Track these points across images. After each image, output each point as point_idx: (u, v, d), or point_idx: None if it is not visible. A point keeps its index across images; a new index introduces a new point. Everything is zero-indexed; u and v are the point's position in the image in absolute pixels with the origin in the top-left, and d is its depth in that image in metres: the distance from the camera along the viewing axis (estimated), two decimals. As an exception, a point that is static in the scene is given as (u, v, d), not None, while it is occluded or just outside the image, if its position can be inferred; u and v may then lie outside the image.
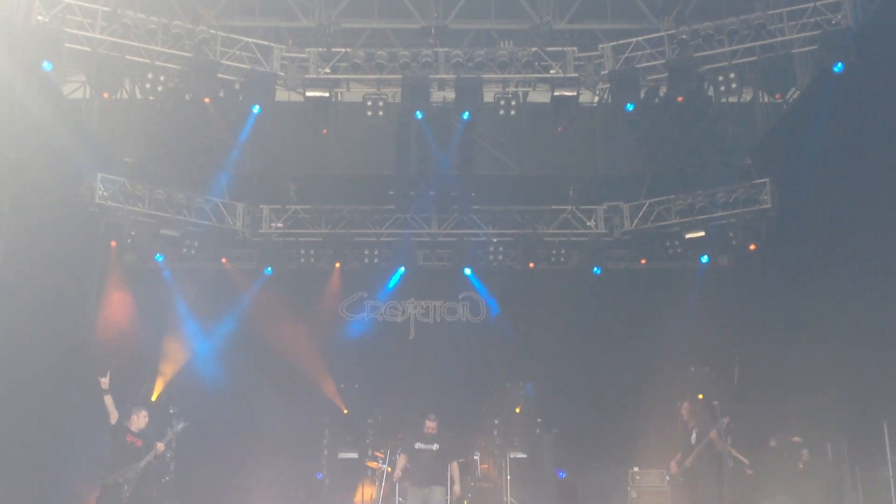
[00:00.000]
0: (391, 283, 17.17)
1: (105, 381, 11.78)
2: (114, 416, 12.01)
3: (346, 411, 16.89)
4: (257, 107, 13.50)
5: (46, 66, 11.88)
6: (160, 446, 12.13)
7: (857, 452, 13.81)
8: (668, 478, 14.59)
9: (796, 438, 13.55)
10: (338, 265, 16.41)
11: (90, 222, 14.64)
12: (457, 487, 12.97)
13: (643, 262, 16.29)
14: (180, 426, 13.26)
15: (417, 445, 13.21)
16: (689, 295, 15.86)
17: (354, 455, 15.95)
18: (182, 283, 16.28)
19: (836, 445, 14.14)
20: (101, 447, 13.09)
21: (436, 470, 13.01)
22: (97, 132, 14.34)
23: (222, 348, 16.09)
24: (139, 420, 11.94)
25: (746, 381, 15.83)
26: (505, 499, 15.08)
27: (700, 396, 15.45)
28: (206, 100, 12.76)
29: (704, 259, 15.92)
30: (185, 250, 15.53)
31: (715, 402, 13.73)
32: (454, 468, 13.02)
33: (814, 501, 13.12)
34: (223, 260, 16.31)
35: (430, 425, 13.29)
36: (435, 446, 13.09)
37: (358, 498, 15.61)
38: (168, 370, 16.18)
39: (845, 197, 12.50)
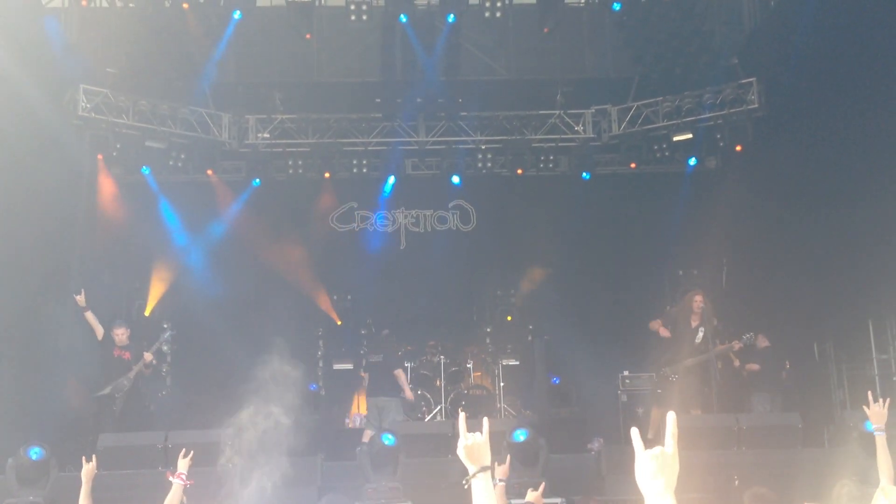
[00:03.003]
0: (385, 193, 17.11)
1: (81, 299, 11.94)
2: (99, 332, 12.25)
3: (339, 322, 16.99)
4: (238, 12, 13.34)
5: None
6: (147, 355, 12.33)
7: (843, 351, 13.97)
8: (657, 380, 14.76)
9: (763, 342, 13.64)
10: (327, 175, 16.29)
11: (75, 135, 14.53)
12: (407, 393, 13.28)
13: (633, 166, 16.16)
14: (167, 334, 13.49)
15: (371, 358, 13.58)
16: (678, 198, 15.81)
17: (349, 366, 16.13)
18: (170, 195, 16.19)
19: (822, 345, 14.30)
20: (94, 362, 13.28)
21: (382, 381, 13.30)
22: (77, 42, 14.11)
23: (214, 261, 16.08)
24: (119, 336, 12.12)
25: (734, 282, 15.90)
26: (498, 405, 15.28)
27: (689, 298, 15.55)
28: (185, 5, 12.57)
29: (692, 161, 15.83)
30: (171, 162, 15.45)
31: (702, 305, 13.90)
32: (398, 376, 13.30)
33: (801, 399, 13.32)
34: (209, 172, 16.15)
35: (382, 332, 13.66)
36: (380, 357, 13.40)
37: (354, 408, 15.83)
38: (160, 285, 16.20)
39: (832, 94, 12.37)
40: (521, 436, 9.96)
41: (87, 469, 7.21)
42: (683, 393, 12.02)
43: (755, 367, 13.38)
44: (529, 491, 6.41)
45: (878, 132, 11.49)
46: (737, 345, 11.99)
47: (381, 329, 14.78)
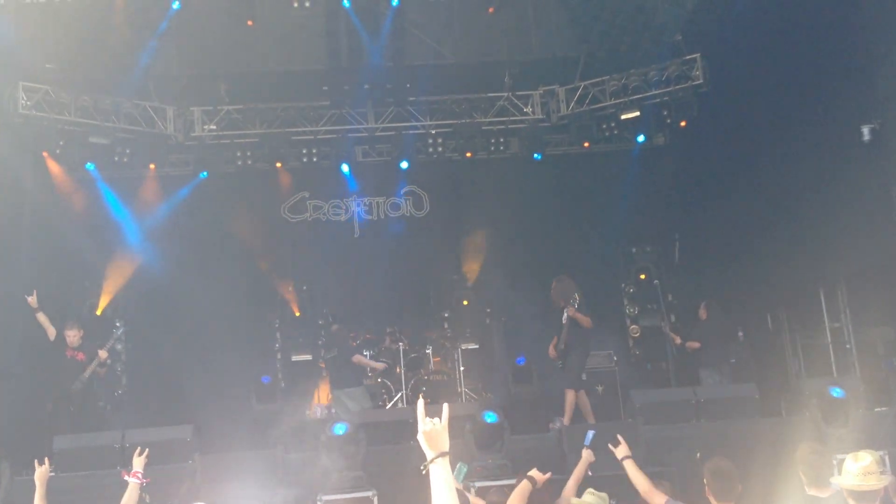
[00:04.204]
0: (350, 181, 17.01)
1: (32, 300, 11.77)
2: (51, 333, 12.08)
3: (298, 314, 16.87)
4: (177, 2, 13.14)
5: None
6: (102, 353, 12.18)
7: (796, 321, 14.19)
8: (615, 358, 14.87)
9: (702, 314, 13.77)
10: (279, 165, 16.10)
11: (15, 133, 14.19)
12: (376, 366, 13.44)
13: (586, 145, 16.18)
14: (119, 331, 13.32)
15: (327, 355, 13.70)
16: (628, 176, 15.90)
17: (308, 357, 16.05)
18: (117, 191, 15.92)
19: (776, 315, 14.50)
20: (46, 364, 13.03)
21: (341, 374, 13.41)
22: (14, 39, 13.75)
23: (165, 257, 15.80)
24: (71, 338, 11.97)
25: (686, 257, 16.06)
26: (459, 390, 15.28)
27: (642, 276, 15.69)
28: (119, -5, 12.38)
29: (640, 139, 15.91)
30: (116, 158, 15.09)
31: (655, 281, 14.06)
32: (359, 361, 13.41)
33: (757, 369, 13.48)
34: (151, 166, 15.84)
35: (332, 328, 13.75)
36: (334, 351, 13.51)
37: (315, 399, 15.74)
38: (111, 283, 15.94)
39: (774, 68, 12.52)
40: (491, 417, 9.99)
41: (41, 472, 7.10)
42: (567, 373, 12.02)
43: (695, 344, 13.47)
44: (535, 470, 6.60)
45: (820, 104, 11.67)
46: (570, 310, 11.86)
47: (332, 324, 14.71)
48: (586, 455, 7.21)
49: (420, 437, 3.35)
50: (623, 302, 16.19)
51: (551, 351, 12.14)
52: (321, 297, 16.74)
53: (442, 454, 3.31)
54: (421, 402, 3.41)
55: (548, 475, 6.60)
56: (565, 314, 11.83)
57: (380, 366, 13.86)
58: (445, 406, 3.39)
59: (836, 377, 12.35)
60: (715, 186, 14.82)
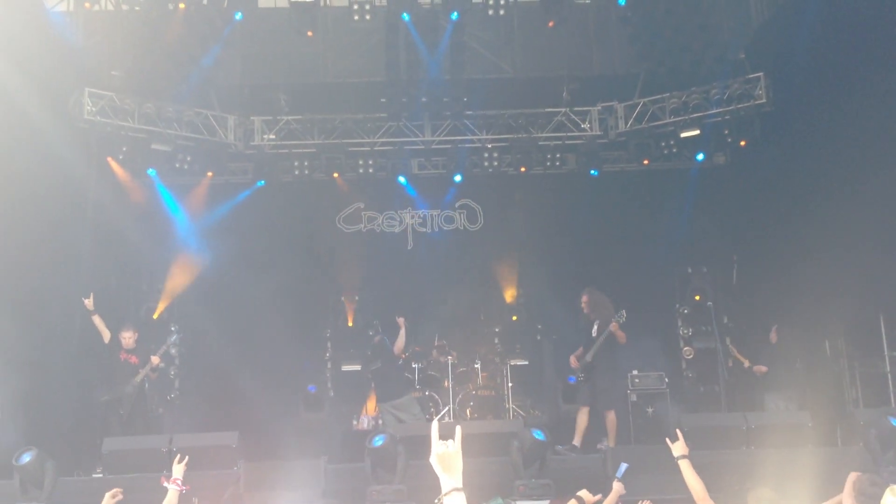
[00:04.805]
0: (408, 189, 17.06)
1: (89, 303, 12.02)
2: (106, 335, 12.31)
3: (350, 324, 16.94)
4: (239, 13, 13.33)
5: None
6: (155, 359, 12.37)
7: (855, 348, 13.80)
8: (667, 379, 14.62)
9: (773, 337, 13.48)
10: (336, 175, 16.24)
11: (80, 139, 14.51)
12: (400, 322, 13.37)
13: (646, 162, 15.99)
14: (174, 337, 13.51)
15: (372, 367, 13.70)
16: (686, 195, 15.68)
17: (357, 367, 16.07)
18: (177, 197, 16.21)
19: (834, 341, 14.14)
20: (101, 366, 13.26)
21: (387, 385, 13.40)
22: (82, 46, 14.11)
23: (220, 263, 16.01)
24: (126, 340, 12.17)
25: (745, 280, 15.73)
26: (507, 405, 15.18)
27: (697, 297, 15.40)
28: (181, 5, 12.57)
29: (700, 157, 15.67)
30: (177, 165, 15.39)
31: (709, 303, 13.80)
32: (398, 347, 13.30)
33: (813, 397, 13.15)
34: (209, 174, 16.12)
35: (375, 340, 13.79)
36: (378, 363, 13.52)
37: (363, 410, 15.75)
38: (169, 288, 16.18)
39: (840, 89, 12.23)
40: (539, 435, 9.87)
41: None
42: (594, 389, 11.78)
43: (763, 369, 13.21)
44: (585, 490, 6.62)
45: (887, 126, 11.36)
46: (614, 325, 11.58)
47: (376, 336, 14.73)
48: (617, 487, 7.09)
49: (433, 459, 3.30)
50: (677, 323, 15.93)
51: (573, 361, 11.99)
52: (373, 308, 16.75)
53: (456, 489, 3.26)
54: (435, 424, 3.37)
55: (598, 497, 6.51)
56: (595, 326, 11.69)
57: (399, 322, 13.69)
58: (458, 428, 3.34)
59: (894, 407, 11.98)
60: (775, 208, 14.49)
